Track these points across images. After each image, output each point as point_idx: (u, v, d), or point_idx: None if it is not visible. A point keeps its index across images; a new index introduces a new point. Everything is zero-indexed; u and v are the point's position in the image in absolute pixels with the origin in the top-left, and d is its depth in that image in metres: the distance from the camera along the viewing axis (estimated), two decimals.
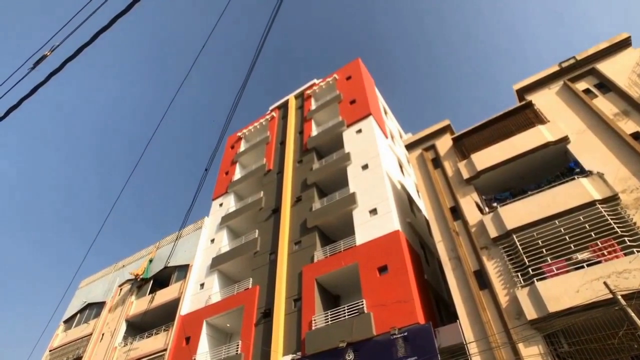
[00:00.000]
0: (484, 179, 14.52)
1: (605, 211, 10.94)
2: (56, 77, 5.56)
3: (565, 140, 13.36)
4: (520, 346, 10.06)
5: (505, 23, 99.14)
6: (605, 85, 14.21)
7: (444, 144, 17.02)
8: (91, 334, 24.14)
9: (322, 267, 16.36)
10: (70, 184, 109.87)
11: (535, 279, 10.72)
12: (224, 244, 22.81)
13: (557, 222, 11.50)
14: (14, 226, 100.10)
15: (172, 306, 21.43)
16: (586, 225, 11.00)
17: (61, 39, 5.76)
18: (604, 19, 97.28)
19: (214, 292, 20.27)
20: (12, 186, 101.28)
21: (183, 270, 23.07)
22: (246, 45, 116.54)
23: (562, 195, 11.87)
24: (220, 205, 25.84)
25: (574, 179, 12.11)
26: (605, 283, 8.90)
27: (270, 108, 31.46)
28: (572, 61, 15.57)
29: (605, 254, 10.28)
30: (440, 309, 15.28)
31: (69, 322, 27.54)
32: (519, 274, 11.31)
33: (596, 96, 14.10)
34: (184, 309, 20.51)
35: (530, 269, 11.09)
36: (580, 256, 10.68)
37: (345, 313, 14.29)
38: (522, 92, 16.22)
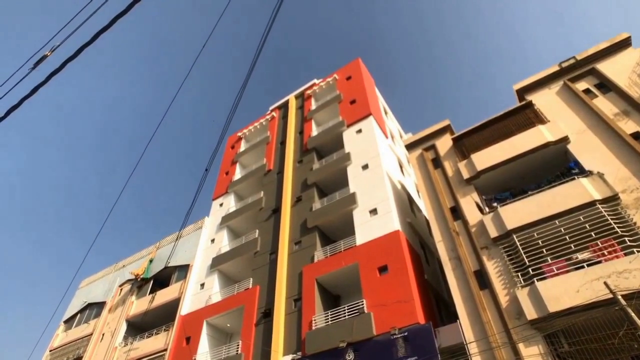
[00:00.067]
0: (484, 179, 14.52)
1: (605, 211, 10.94)
2: (56, 77, 5.56)
3: (565, 140, 13.36)
4: (521, 346, 10.06)
5: (505, 23, 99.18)
6: (606, 85, 14.21)
7: (444, 144, 17.02)
8: (91, 334, 24.15)
9: (322, 267, 16.37)
10: (71, 183, 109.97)
11: (535, 279, 10.72)
12: (224, 244, 22.81)
13: (557, 222, 11.50)
14: (15, 226, 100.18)
15: (173, 306, 21.44)
16: (586, 225, 11.00)
17: (61, 39, 5.77)
18: (604, 19, 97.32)
19: (214, 292, 20.28)
20: (13, 186, 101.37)
21: (183, 270, 23.07)
22: (246, 45, 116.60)
23: (562, 195, 11.87)
24: (221, 205, 25.84)
25: (574, 179, 12.11)
26: (605, 283, 8.90)
27: (271, 108, 31.47)
28: (572, 61, 15.57)
29: (606, 254, 10.28)
30: (440, 309, 15.28)
31: (69, 322, 27.56)
32: (519, 274, 11.31)
33: (596, 96, 14.10)
34: (184, 309, 20.51)
35: (530, 269, 11.10)
36: (581, 256, 10.68)
37: (345, 313, 14.29)
38: (522, 92, 16.22)
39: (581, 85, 14.83)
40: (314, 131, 25.19)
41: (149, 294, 23.55)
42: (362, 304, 13.90)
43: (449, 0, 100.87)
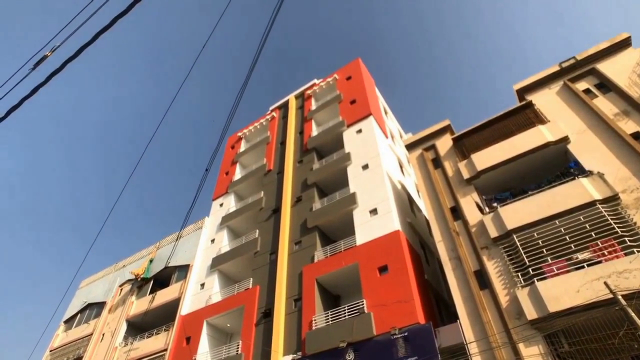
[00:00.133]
0: (484, 179, 14.52)
1: (605, 211, 10.94)
2: (57, 77, 5.56)
3: (565, 140, 13.36)
4: (521, 346, 10.06)
5: (505, 23, 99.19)
6: (606, 85, 14.21)
7: (444, 144, 17.02)
8: (92, 334, 24.15)
9: (322, 267, 16.37)
10: (71, 183, 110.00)
11: (535, 279, 10.72)
12: (224, 244, 22.82)
13: (557, 222, 11.50)
14: (15, 226, 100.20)
15: (173, 306, 21.44)
16: (586, 225, 11.00)
17: (62, 39, 5.77)
18: (604, 19, 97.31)
19: (214, 292, 20.28)
20: (13, 186, 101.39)
21: (183, 270, 23.08)
22: (246, 45, 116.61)
23: (562, 195, 11.87)
24: (221, 205, 25.85)
25: (574, 179, 12.12)
26: (605, 283, 8.90)
27: (271, 108, 31.48)
28: (572, 61, 15.58)
29: (606, 254, 10.28)
30: (440, 309, 15.28)
31: (69, 322, 27.56)
32: (519, 274, 11.31)
33: (596, 96, 14.10)
34: (185, 309, 20.52)
35: (530, 269, 11.10)
36: (581, 256, 10.68)
37: (345, 313, 14.30)
38: (522, 92, 16.22)
39: (581, 85, 14.83)
40: (314, 131, 25.19)
41: (149, 294, 23.56)
42: (362, 304, 13.90)
43: (449, 0, 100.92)
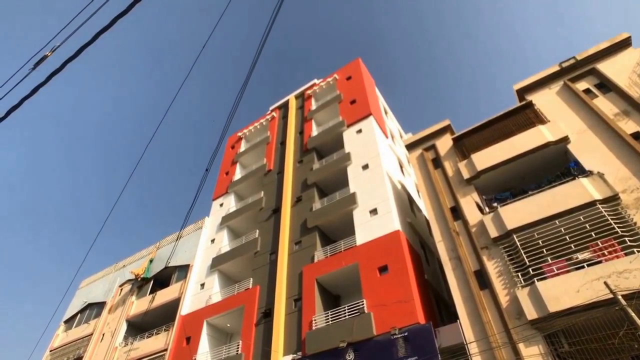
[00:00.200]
0: (484, 179, 14.52)
1: (605, 211, 10.94)
2: (57, 77, 5.57)
3: (565, 140, 13.36)
4: (521, 346, 10.06)
5: (505, 23, 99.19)
6: (606, 85, 14.21)
7: (444, 144, 17.02)
8: (92, 334, 24.15)
9: (322, 267, 16.37)
10: (72, 183, 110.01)
11: (535, 279, 10.72)
12: (225, 244, 22.82)
13: (557, 222, 11.50)
14: (15, 226, 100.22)
15: (173, 306, 21.44)
16: (586, 225, 11.00)
17: (62, 39, 5.77)
18: (604, 19, 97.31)
19: (215, 292, 20.28)
20: (13, 186, 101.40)
21: (183, 270, 23.08)
22: (246, 45, 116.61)
23: (562, 195, 11.87)
24: (221, 205, 25.85)
25: (574, 178, 12.12)
26: (605, 283, 8.90)
27: (271, 108, 31.48)
28: (572, 61, 15.58)
29: (606, 253, 10.28)
30: (440, 309, 15.28)
31: (69, 322, 27.56)
32: (519, 274, 11.31)
33: (596, 96, 14.10)
34: (185, 309, 20.52)
35: (530, 269, 11.10)
36: (581, 256, 10.68)
37: (345, 313, 14.30)
38: (522, 92, 16.22)
39: (581, 85, 14.83)
40: (314, 131, 25.19)
41: (149, 294, 23.56)
42: (362, 304, 13.90)
43: (449, 0, 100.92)
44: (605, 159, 12.20)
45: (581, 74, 15.18)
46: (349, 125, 22.75)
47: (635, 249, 9.85)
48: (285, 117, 28.93)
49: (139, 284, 24.62)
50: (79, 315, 27.28)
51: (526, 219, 12.01)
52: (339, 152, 21.93)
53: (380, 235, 15.67)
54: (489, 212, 13.25)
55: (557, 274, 10.57)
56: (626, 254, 9.95)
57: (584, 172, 12.28)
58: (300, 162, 23.33)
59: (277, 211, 21.41)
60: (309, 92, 28.82)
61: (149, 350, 19.98)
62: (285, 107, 30.19)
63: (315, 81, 29.63)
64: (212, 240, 23.55)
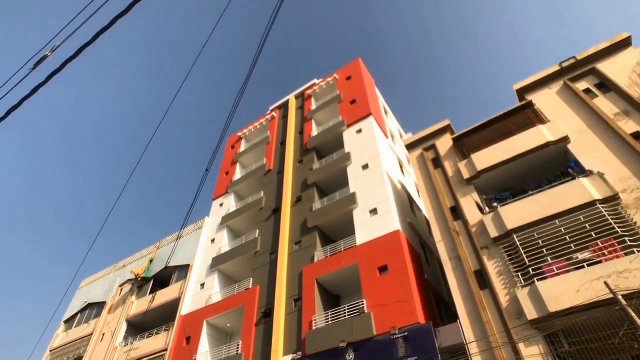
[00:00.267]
0: (485, 178, 14.52)
1: (605, 211, 10.94)
2: (57, 77, 5.57)
3: (565, 140, 13.35)
4: (521, 346, 10.06)
5: (505, 23, 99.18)
6: (606, 85, 14.21)
7: (444, 143, 17.02)
8: (92, 334, 24.15)
9: (322, 267, 16.37)
10: (72, 183, 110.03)
11: (535, 279, 10.72)
12: (225, 244, 22.82)
13: (557, 222, 11.49)
14: (15, 226, 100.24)
15: (173, 306, 21.44)
16: (587, 225, 11.00)
17: (62, 39, 5.78)
18: (604, 19, 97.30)
19: (215, 292, 20.29)
20: (13, 186, 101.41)
21: (183, 270, 23.08)
22: (246, 45, 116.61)
23: (562, 195, 11.86)
24: (221, 205, 25.85)
25: (574, 178, 12.11)
26: (605, 283, 8.90)
27: (271, 108, 31.48)
28: (572, 61, 15.57)
29: (606, 253, 10.28)
30: (440, 308, 15.28)
31: (69, 322, 27.57)
32: (519, 274, 11.31)
33: (597, 96, 14.10)
34: (185, 309, 20.52)
35: (530, 269, 11.09)
36: (581, 256, 10.68)
37: (345, 313, 14.29)
38: (522, 92, 16.21)
39: (581, 85, 14.83)
40: (314, 131, 25.19)
41: (149, 294, 23.56)
42: (363, 304, 13.90)
43: (449, 0, 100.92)
44: (605, 159, 12.20)
45: (581, 74, 15.18)
46: (349, 125, 22.75)
47: (635, 249, 9.84)
48: (285, 117, 28.92)
49: (139, 284, 24.62)
50: (79, 315, 27.28)
51: (526, 219, 12.01)
52: (339, 152, 21.93)
53: (380, 235, 15.67)
54: (489, 212, 13.25)
55: (557, 274, 10.56)
56: (626, 254, 9.95)
57: (584, 172, 12.28)
58: (300, 162, 23.32)
59: (277, 211, 21.41)
60: (309, 92, 28.82)
61: (149, 350, 19.99)
62: (285, 107, 30.19)
63: (315, 81, 29.63)
64: (212, 240, 23.55)
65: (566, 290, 9.96)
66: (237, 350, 16.43)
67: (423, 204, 18.37)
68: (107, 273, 28.78)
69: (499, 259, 12.05)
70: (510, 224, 12.19)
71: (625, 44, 14.80)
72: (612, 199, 11.11)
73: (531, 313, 10.24)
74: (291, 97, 30.26)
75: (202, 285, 21.21)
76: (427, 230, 19.03)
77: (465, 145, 16.01)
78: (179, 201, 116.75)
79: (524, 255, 11.44)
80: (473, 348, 10.89)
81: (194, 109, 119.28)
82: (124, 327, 22.84)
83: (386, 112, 27.12)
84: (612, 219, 10.71)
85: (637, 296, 8.77)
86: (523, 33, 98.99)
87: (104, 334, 23.43)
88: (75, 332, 25.75)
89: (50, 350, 25.87)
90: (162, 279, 24.46)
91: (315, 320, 14.73)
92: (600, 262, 10.17)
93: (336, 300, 16.88)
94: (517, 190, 14.30)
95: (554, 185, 12.56)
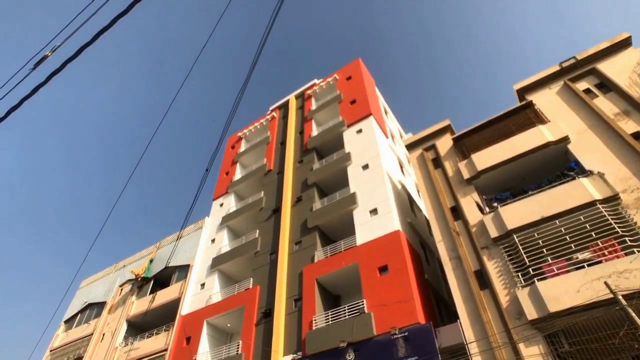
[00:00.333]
0: (485, 178, 14.52)
1: (605, 211, 10.93)
2: (57, 77, 5.57)
3: (565, 140, 13.35)
4: (521, 346, 10.06)
5: (505, 23, 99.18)
6: (606, 85, 14.20)
7: (444, 143, 17.02)
8: (92, 334, 24.16)
9: (322, 267, 16.37)
10: (72, 183, 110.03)
11: (535, 279, 10.72)
12: (225, 244, 22.82)
13: (557, 222, 11.49)
14: (15, 226, 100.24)
15: (173, 306, 21.44)
16: (587, 225, 11.00)
17: (62, 39, 5.78)
18: (604, 19, 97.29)
19: (215, 292, 20.29)
20: (13, 186, 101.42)
21: (183, 270, 23.08)
22: (246, 45, 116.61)
23: (562, 195, 11.86)
24: (221, 205, 25.85)
25: (574, 178, 12.11)
26: (606, 283, 8.90)
27: (271, 108, 31.48)
28: (572, 61, 15.57)
29: (606, 253, 10.28)
30: (440, 308, 15.28)
31: (69, 322, 27.57)
32: (519, 274, 11.31)
33: (597, 96, 14.09)
34: (185, 309, 20.52)
35: (530, 269, 11.09)
36: (581, 256, 10.68)
37: (345, 313, 14.29)
38: (522, 92, 16.21)
39: (581, 85, 14.83)
40: (314, 131, 25.19)
41: (149, 294, 23.56)
42: (363, 304, 13.90)
43: (449, 0, 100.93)
44: (605, 158, 12.20)
45: (581, 73, 15.18)
46: (349, 125, 22.75)
47: (635, 249, 9.84)
48: (285, 117, 28.92)
49: (139, 284, 24.62)
50: (79, 315, 27.28)
51: (526, 219, 12.01)
52: (339, 152, 21.93)
53: (380, 235, 15.67)
54: (489, 212, 13.25)
55: (557, 274, 10.56)
56: (626, 254, 9.95)
57: (584, 172, 12.28)
58: (301, 162, 23.33)
59: (277, 211, 21.41)
60: (309, 92, 28.82)
61: (149, 350, 19.99)
62: (285, 107, 30.19)
63: (315, 81, 29.63)
64: (212, 240, 23.55)
65: (566, 290, 9.96)
66: (237, 350, 16.43)
67: (423, 204, 18.37)
68: (107, 273, 28.77)
69: (499, 259, 12.05)
70: (510, 224, 12.19)
71: (625, 44, 14.80)
72: (612, 199, 11.11)
73: (531, 313, 10.24)
74: (291, 97, 30.26)
75: (202, 285, 21.21)
76: (427, 230, 19.03)
77: (465, 145, 16.00)
78: (179, 201, 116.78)
79: (524, 255, 11.44)
80: (473, 348, 10.89)
81: (194, 109, 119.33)
82: (124, 327, 22.84)
83: (386, 112, 27.12)
84: (612, 219, 10.71)
85: (637, 296, 8.77)
86: (523, 33, 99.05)
87: (104, 334, 23.43)
88: (75, 332, 25.75)
89: (50, 350, 25.87)
90: (162, 279, 24.46)
91: (315, 320, 14.73)
92: (600, 262, 10.17)
93: (336, 300, 16.88)
94: (517, 190, 14.30)
95: (554, 185, 12.55)
